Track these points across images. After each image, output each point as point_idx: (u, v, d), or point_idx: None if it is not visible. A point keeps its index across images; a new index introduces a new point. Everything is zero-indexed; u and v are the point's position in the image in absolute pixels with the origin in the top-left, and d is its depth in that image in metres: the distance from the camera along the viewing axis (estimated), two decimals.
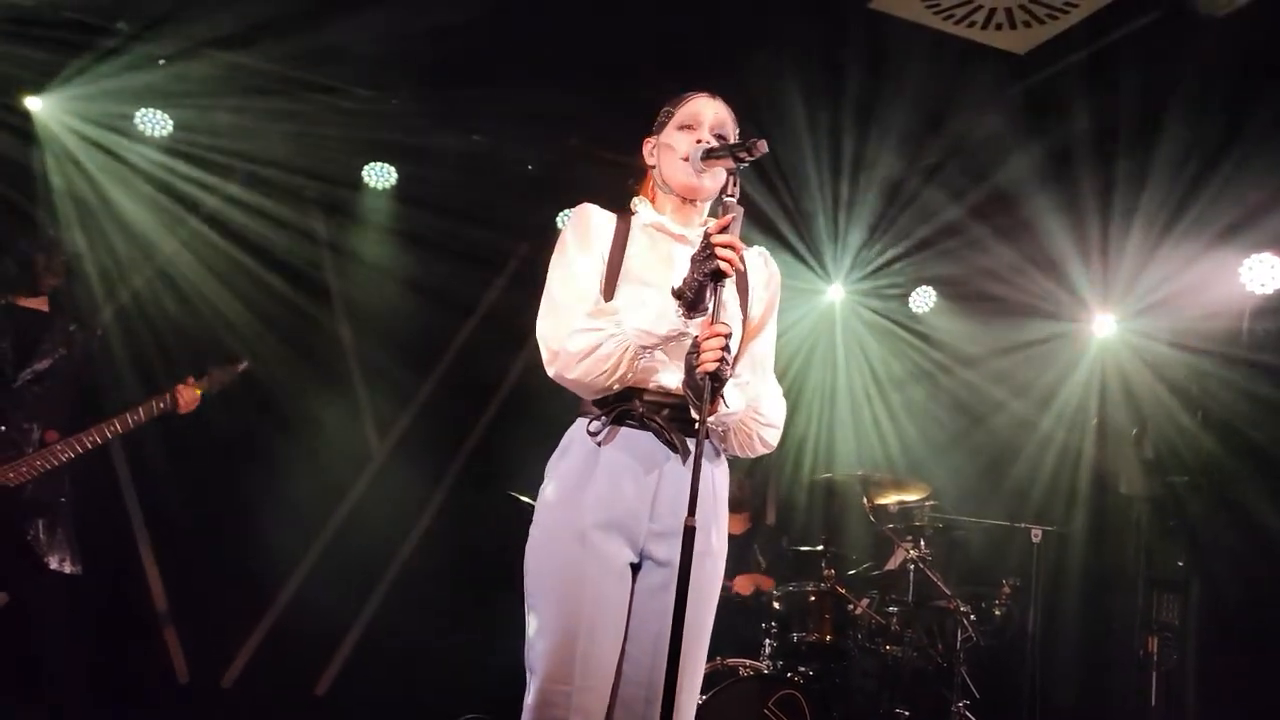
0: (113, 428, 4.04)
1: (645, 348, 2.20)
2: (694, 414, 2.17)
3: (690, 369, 2.17)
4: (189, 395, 4.15)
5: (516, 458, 5.29)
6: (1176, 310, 5.57)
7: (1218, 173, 4.83)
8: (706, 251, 2.12)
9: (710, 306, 2.13)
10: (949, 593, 4.90)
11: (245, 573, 5.44)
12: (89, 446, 4.02)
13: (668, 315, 2.18)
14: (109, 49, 4.83)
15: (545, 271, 2.40)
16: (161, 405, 4.11)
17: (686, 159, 2.35)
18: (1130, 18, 4.30)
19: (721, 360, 2.10)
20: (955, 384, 6.38)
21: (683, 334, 2.19)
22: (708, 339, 2.11)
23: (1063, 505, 5.89)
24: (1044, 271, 5.87)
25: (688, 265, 2.25)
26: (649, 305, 2.21)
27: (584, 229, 2.38)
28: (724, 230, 2.13)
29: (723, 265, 2.10)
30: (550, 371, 2.28)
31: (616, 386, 2.25)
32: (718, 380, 2.13)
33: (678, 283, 2.18)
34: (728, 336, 2.12)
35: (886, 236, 6.07)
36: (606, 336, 2.20)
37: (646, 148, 2.49)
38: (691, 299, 2.15)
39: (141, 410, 4.07)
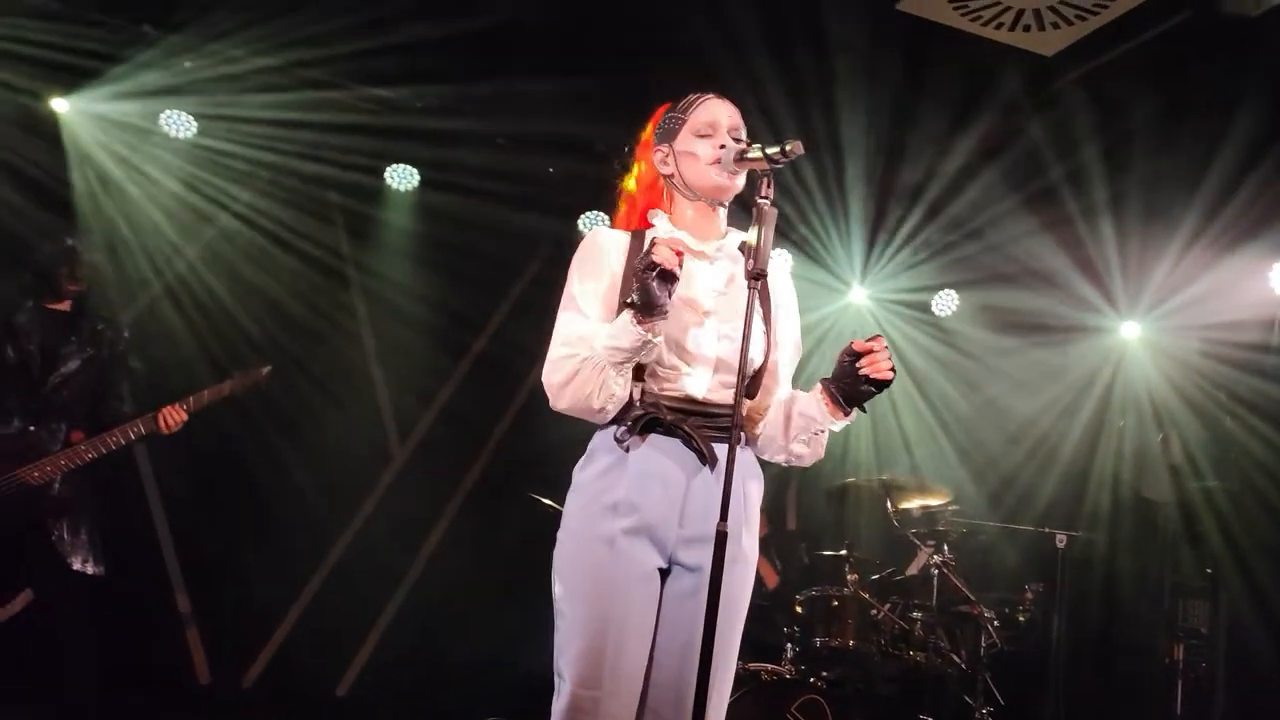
0: (135, 429, 4.06)
1: (619, 364, 2.21)
2: (831, 417, 2.30)
3: (847, 375, 2.25)
4: (175, 418, 4.10)
5: (537, 460, 5.31)
6: (1204, 314, 5.53)
7: (1247, 175, 4.79)
8: (647, 255, 2.13)
9: (660, 302, 2.13)
10: (973, 598, 4.87)
11: (267, 573, 5.44)
12: (112, 447, 4.05)
13: (627, 327, 2.18)
14: (135, 51, 4.86)
15: (565, 274, 2.40)
16: (149, 427, 4.08)
17: (716, 162, 2.34)
18: (1159, 19, 4.27)
19: (892, 368, 2.24)
20: (978, 388, 6.34)
21: (648, 342, 2.19)
22: (883, 349, 2.23)
23: (1088, 510, 5.85)
24: (1069, 275, 5.83)
25: (707, 282, 2.33)
26: (613, 322, 2.22)
27: (590, 256, 2.37)
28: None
29: (656, 258, 2.10)
30: (551, 404, 2.31)
31: (611, 408, 2.26)
32: (885, 388, 2.25)
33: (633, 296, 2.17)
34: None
35: (909, 239, 6.04)
36: (580, 361, 2.23)
37: (656, 156, 2.45)
38: (641, 304, 2.14)
39: (142, 424, 4.06)
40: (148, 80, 4.98)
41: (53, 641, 4.07)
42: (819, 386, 2.34)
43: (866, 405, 2.33)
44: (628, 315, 2.17)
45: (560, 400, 2.27)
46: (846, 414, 2.32)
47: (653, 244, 2.12)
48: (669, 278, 2.12)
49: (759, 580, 5.28)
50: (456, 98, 5.22)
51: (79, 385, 4.13)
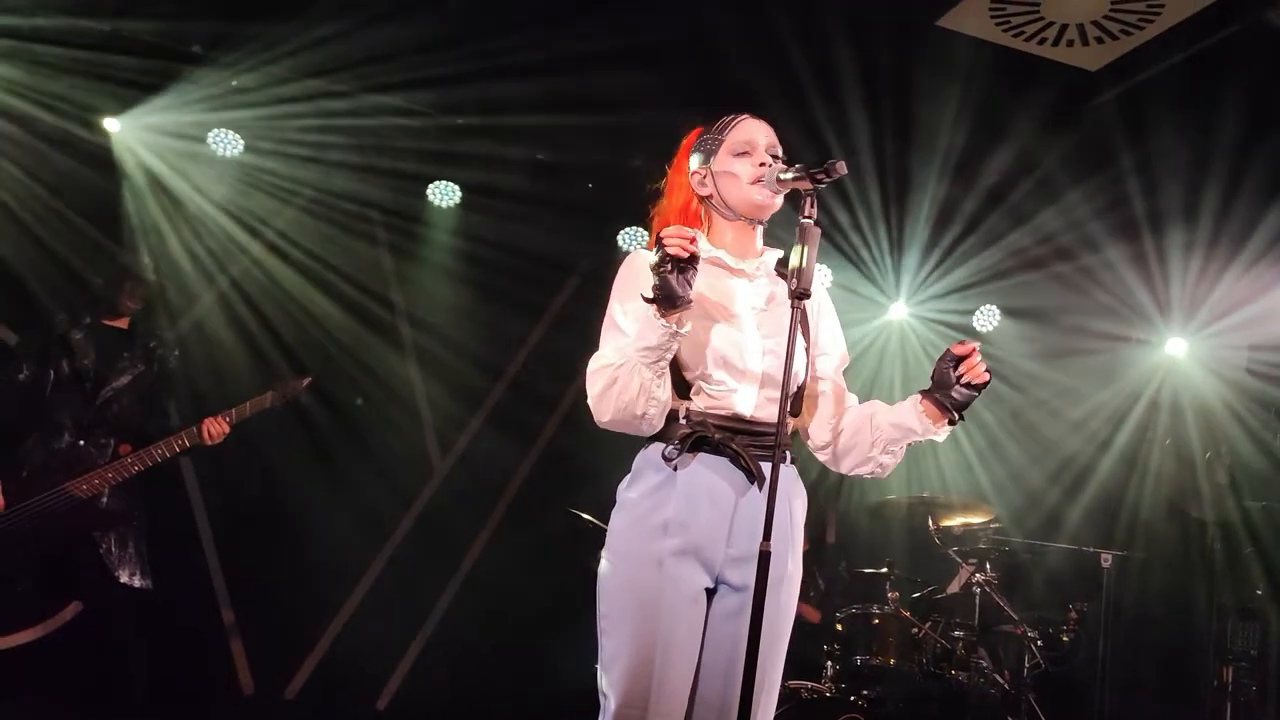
0: (180, 441, 4.12)
1: (651, 363, 2.20)
2: (935, 426, 2.33)
3: (948, 382, 2.30)
4: (217, 429, 4.16)
5: (578, 475, 5.33)
6: (1253, 332, 5.45)
7: None
8: (660, 249, 2.12)
9: (679, 293, 2.12)
10: (1015, 617, 4.81)
11: (310, 586, 5.49)
12: (157, 460, 4.11)
13: (651, 322, 2.17)
14: (184, 72, 4.95)
15: (607, 289, 2.41)
16: (192, 439, 4.14)
17: (757, 181, 2.34)
18: (1206, 33, 4.22)
19: (988, 369, 2.30)
20: (1021, 404, 6.28)
21: (675, 334, 2.18)
22: (975, 351, 2.29)
23: (1133, 530, 5.77)
24: (1114, 292, 5.76)
25: (749, 299, 2.34)
26: (640, 323, 2.22)
27: (629, 280, 2.36)
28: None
29: (670, 249, 2.09)
30: (596, 422, 2.30)
31: (654, 413, 2.24)
32: (981, 391, 2.31)
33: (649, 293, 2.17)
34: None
35: (951, 255, 6.00)
36: (616, 369, 2.21)
37: (694, 179, 2.45)
38: (662, 297, 2.13)
39: (185, 437, 4.13)
40: (196, 100, 5.07)
41: (101, 652, 4.14)
42: (917, 398, 2.36)
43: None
44: (651, 311, 2.17)
45: (604, 413, 2.25)
46: (952, 422, 2.35)
47: (660, 238, 2.12)
48: (685, 267, 2.12)
49: (801, 618, 5.27)
50: (498, 115, 5.27)
51: (129, 400, 4.21)
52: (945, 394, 2.31)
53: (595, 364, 2.28)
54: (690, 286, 2.14)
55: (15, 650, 4.07)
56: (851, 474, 2.46)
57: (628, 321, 2.28)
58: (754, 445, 2.29)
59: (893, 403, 2.43)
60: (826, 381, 2.46)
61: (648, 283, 2.16)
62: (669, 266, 2.10)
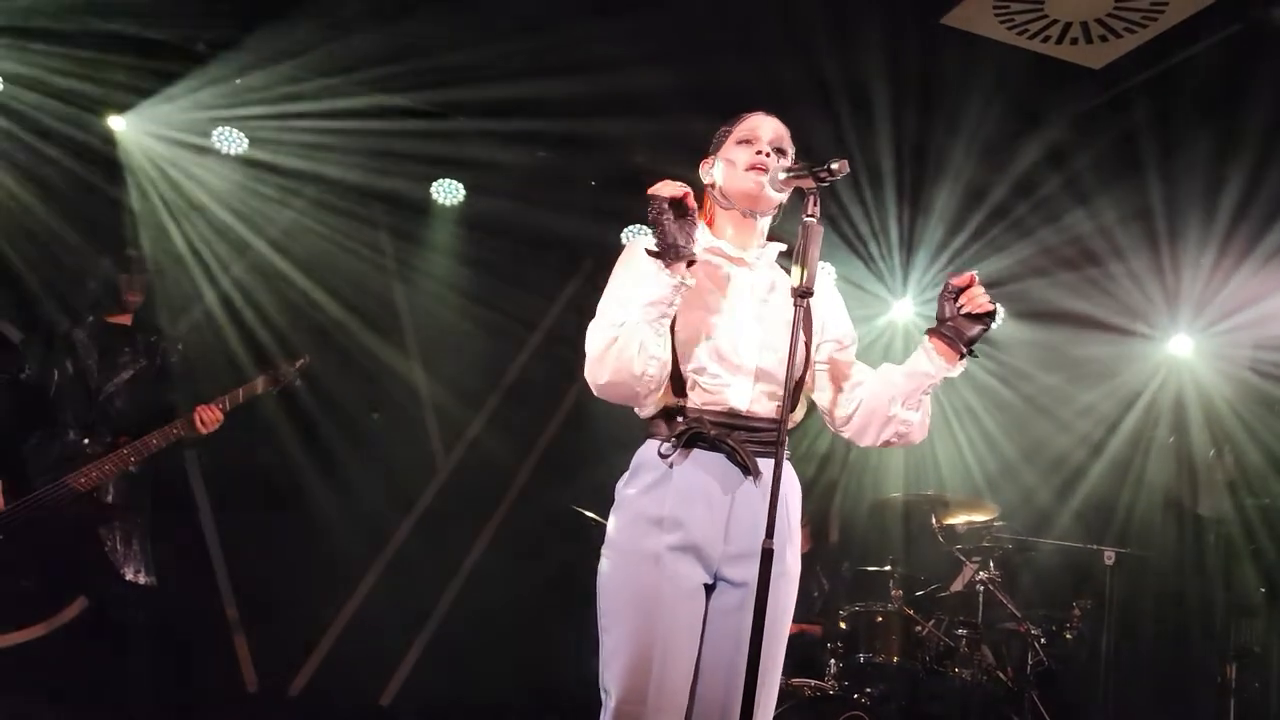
0: (174, 430, 4.11)
1: (653, 319, 2.18)
2: (947, 363, 2.28)
3: (950, 315, 2.28)
4: (210, 416, 4.14)
5: (581, 471, 5.34)
6: (1258, 330, 5.44)
7: None
8: (653, 198, 2.15)
9: (681, 242, 2.14)
10: (1019, 615, 4.81)
11: (313, 584, 5.51)
12: (153, 449, 4.09)
13: (657, 275, 2.17)
14: (189, 70, 4.96)
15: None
16: (186, 428, 4.14)
17: (758, 168, 2.35)
18: (1210, 31, 4.21)
19: (991, 300, 2.26)
20: (1026, 402, 6.27)
21: (679, 287, 2.18)
22: (974, 280, 2.26)
23: (1137, 527, 5.77)
24: (1119, 290, 5.76)
25: (748, 289, 2.33)
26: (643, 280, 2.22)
27: (632, 260, 2.35)
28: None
29: (663, 194, 2.13)
30: (593, 389, 2.27)
31: (653, 373, 2.19)
32: (989, 323, 2.27)
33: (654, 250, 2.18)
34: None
35: (956, 253, 5.99)
36: (618, 328, 2.19)
37: (704, 167, 2.49)
38: (663, 247, 2.15)
39: (179, 425, 4.12)
40: (201, 98, 5.09)
41: (106, 649, 4.15)
42: (925, 338, 2.34)
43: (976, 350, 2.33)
44: (654, 265, 2.17)
45: (602, 373, 2.21)
46: (961, 356, 2.30)
47: (649, 190, 2.14)
48: (683, 213, 2.13)
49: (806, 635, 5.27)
50: (502, 114, 5.27)
51: (131, 396, 4.22)
52: (951, 326, 2.28)
53: (595, 326, 2.26)
54: (691, 238, 2.16)
55: (20, 647, 4.08)
56: (879, 443, 2.41)
57: (626, 291, 2.26)
58: (750, 441, 2.29)
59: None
60: (840, 362, 2.45)
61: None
62: (667, 213, 2.12)
